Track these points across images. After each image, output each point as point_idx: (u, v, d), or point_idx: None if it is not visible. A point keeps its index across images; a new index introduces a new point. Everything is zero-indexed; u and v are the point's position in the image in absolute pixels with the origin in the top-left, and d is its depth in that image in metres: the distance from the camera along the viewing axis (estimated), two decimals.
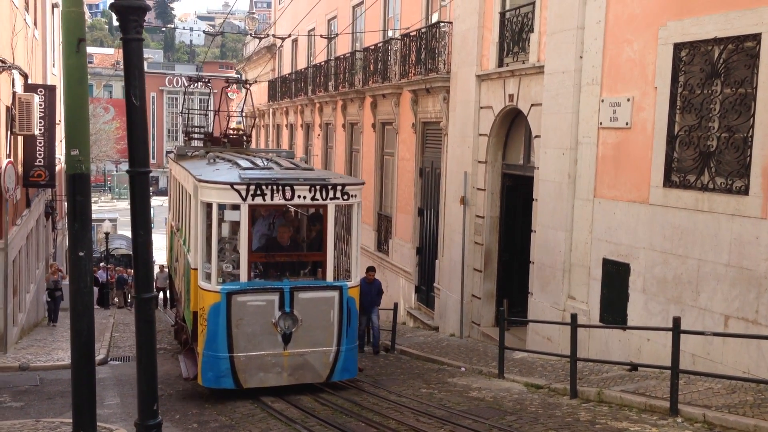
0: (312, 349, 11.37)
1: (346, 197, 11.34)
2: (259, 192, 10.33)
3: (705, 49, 11.14)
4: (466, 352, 15.30)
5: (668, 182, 11.74)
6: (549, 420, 9.10)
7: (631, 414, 8.91)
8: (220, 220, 10.87)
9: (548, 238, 14.71)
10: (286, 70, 39.83)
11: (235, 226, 10.98)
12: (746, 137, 10.39)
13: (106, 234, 39.25)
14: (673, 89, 11.63)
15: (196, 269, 10.90)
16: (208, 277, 10.57)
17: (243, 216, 10.56)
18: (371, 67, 24.80)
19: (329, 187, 11.11)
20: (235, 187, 10.32)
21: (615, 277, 12.75)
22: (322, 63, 30.66)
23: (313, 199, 10.99)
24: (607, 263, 12.97)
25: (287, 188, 10.69)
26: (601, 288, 13.15)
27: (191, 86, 22.24)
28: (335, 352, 11.66)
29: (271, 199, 10.62)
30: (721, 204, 10.70)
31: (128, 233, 53.90)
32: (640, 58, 12.42)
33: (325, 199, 11.07)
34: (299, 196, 10.97)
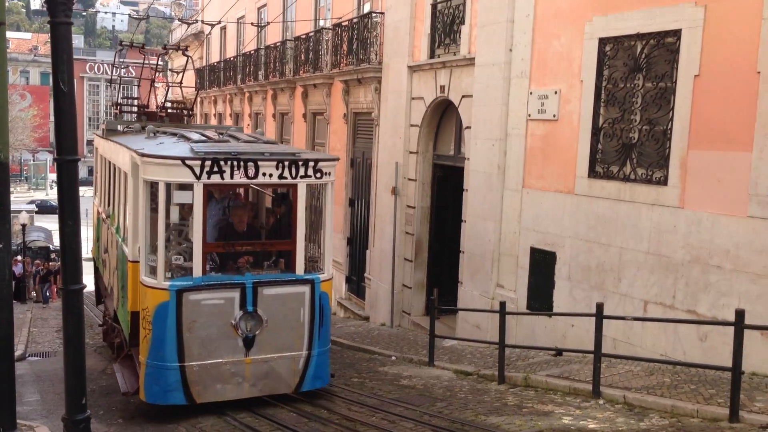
0: (279, 354, 9.51)
1: (318, 175, 9.48)
2: (216, 169, 8.63)
3: (628, 44, 11.40)
4: (396, 341, 15.38)
5: (593, 173, 11.98)
6: (478, 405, 9.28)
7: (556, 397, 9.18)
8: (168, 203, 8.99)
9: (478, 228, 14.82)
10: (215, 58, 39.03)
11: (187, 210, 9.27)
12: (666, 130, 10.68)
13: (23, 226, 37.98)
14: (598, 83, 11.84)
15: (136, 262, 9.48)
16: (153, 271, 9.04)
17: (197, 198, 8.81)
18: (302, 56, 24.32)
19: (300, 163, 9.32)
20: (188, 162, 8.60)
21: (542, 266, 13.01)
22: (252, 52, 30.13)
23: (280, 177, 9.14)
24: (534, 252, 13.23)
25: (250, 164, 8.86)
26: (529, 276, 13.37)
27: (123, 51, 18.60)
28: (306, 357, 9.73)
29: (231, 177, 8.83)
30: (641, 194, 11.01)
31: (46, 224, 52.59)
32: (567, 52, 12.59)
33: (295, 177, 9.25)
34: (264, 174, 9.12)
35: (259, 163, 9.06)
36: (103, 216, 13.81)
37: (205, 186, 8.81)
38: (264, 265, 10.05)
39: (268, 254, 10.05)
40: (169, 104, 16.88)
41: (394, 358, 13.51)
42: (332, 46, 21.96)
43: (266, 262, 10.17)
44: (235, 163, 8.83)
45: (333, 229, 10.05)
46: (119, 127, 14.32)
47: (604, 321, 9.39)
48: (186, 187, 8.83)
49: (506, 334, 10.85)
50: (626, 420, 7.80)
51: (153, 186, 9.13)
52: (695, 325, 10.01)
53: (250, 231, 10.25)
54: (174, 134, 11.06)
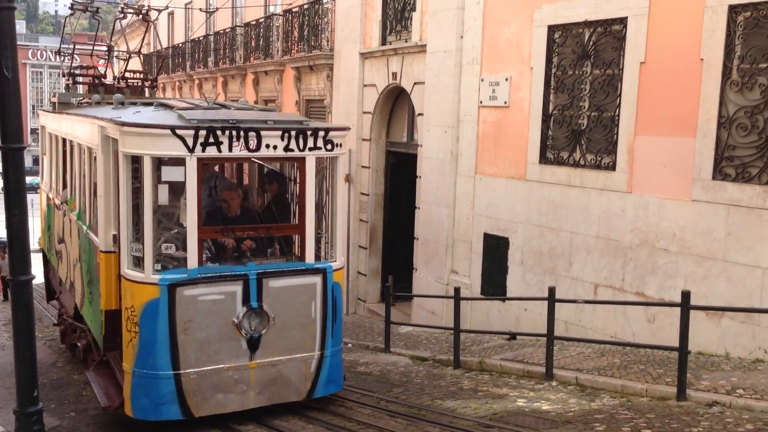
0: (287, 356, 8.04)
1: (329, 147, 8.16)
2: (212, 140, 7.37)
3: (577, 31, 11.29)
4: (352, 328, 15.18)
5: (543, 159, 11.90)
6: (434, 390, 9.24)
7: (511, 380, 9.24)
8: (155, 182, 7.63)
9: (432, 215, 14.60)
10: (162, 44, 37.02)
11: (176, 189, 7.85)
12: (613, 116, 10.61)
13: None
14: (548, 70, 11.76)
15: (110, 252, 8.18)
16: (138, 263, 7.62)
17: (190, 174, 7.44)
18: (252, 43, 23.48)
19: (308, 133, 7.99)
20: (179, 132, 7.26)
21: (495, 251, 12.93)
22: (201, 38, 28.98)
23: (286, 149, 7.81)
24: (487, 238, 13.10)
25: (252, 135, 7.57)
26: (483, 262, 13.27)
27: (74, 14, 15.65)
28: (318, 359, 8.21)
29: (230, 150, 7.49)
30: (591, 179, 10.98)
31: None
32: (517, 39, 12.40)
33: (303, 150, 7.93)
34: (268, 146, 7.75)
35: (262, 133, 7.62)
36: (56, 202, 11.89)
37: (200, 160, 7.35)
38: (267, 253, 8.58)
39: (269, 240, 8.59)
40: (129, 74, 14.63)
41: (350, 345, 13.02)
42: (283, 32, 21.20)
43: (269, 249, 8.67)
44: (234, 133, 7.40)
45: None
46: (73, 100, 12.65)
47: (556, 304, 9.39)
48: (177, 161, 7.45)
49: (461, 319, 10.78)
50: (578, 401, 7.88)
51: (135, 161, 7.70)
52: (644, 307, 10.01)
53: (245, 214, 8.75)
54: (149, 104, 9.64)
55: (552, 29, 11.82)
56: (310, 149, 7.97)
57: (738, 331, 9.14)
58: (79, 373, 11.81)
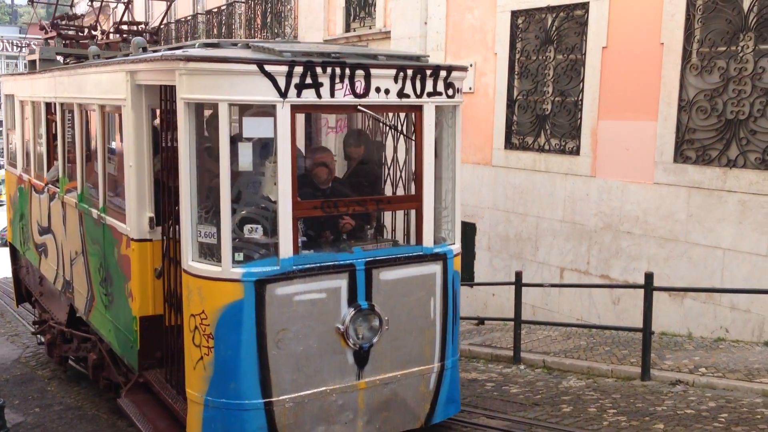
0: (402, 371, 5.65)
1: (450, 92, 5.63)
2: (310, 80, 4.90)
3: (540, 16, 10.92)
4: None
5: (509, 145, 11.52)
6: None
7: (479, 365, 9.19)
8: (235, 139, 4.98)
9: None
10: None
11: (260, 150, 5.22)
12: (577, 101, 10.32)
13: None
14: (512, 55, 11.37)
15: (145, 240, 5.84)
16: (209, 252, 5.10)
17: (282, 128, 4.82)
18: (215, 31, 21.89)
19: (427, 72, 5.45)
20: (268, 69, 4.74)
21: (463, 237, 14.07)
22: (162, 26, 33.39)
23: (401, 94, 5.29)
24: None
25: (359, 74, 5.07)
26: None
27: None
28: (438, 372, 5.81)
29: (331, 95, 4.98)
30: (556, 164, 10.70)
31: None
32: (481, 24, 11.93)
33: (421, 95, 5.40)
34: (378, 90, 5.19)
35: (372, 72, 5.14)
36: (35, 184, 9.17)
37: (294, 109, 4.90)
38: (367, 235, 6.07)
39: (366, 219, 6.12)
40: (125, 27, 10.98)
41: None
42: (246, 19, 20.02)
43: (367, 229, 6.15)
44: (338, 71, 4.97)
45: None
46: (59, 58, 9.63)
47: (523, 289, 9.21)
48: (263, 110, 5.10)
49: None
50: (546, 383, 7.82)
51: (199, 109, 5.23)
52: (608, 289, 9.80)
53: (336, 185, 6.14)
54: (181, 47, 5.91)
55: (515, 15, 11.24)
56: (429, 95, 5.50)
57: (700, 311, 8.87)
58: (42, 369, 11.49)
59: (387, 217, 6.07)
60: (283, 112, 4.75)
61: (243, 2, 20.30)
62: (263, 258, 4.98)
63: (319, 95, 4.88)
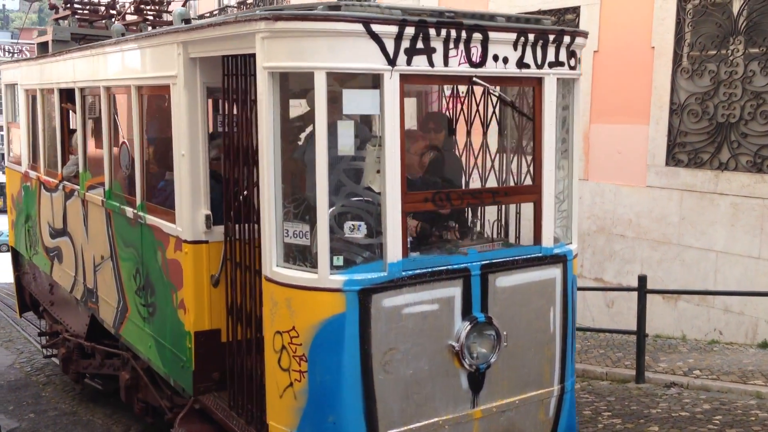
0: (520, 396, 4.55)
1: (573, 63, 4.48)
2: (422, 44, 3.81)
3: None
4: None
5: None
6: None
7: None
8: (331, 116, 3.81)
9: None
10: None
11: (356, 129, 4.00)
12: None
13: None
14: None
15: (200, 242, 4.81)
16: (299, 255, 4.04)
17: (390, 102, 3.76)
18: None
19: (550, 37, 4.27)
20: (375, 29, 3.68)
21: None
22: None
23: (520, 63, 4.18)
24: None
25: (476, 37, 3.97)
26: None
27: None
28: (558, 396, 4.71)
29: (445, 63, 3.90)
30: None
31: None
32: None
33: (542, 65, 4.27)
34: (496, 58, 4.09)
35: (490, 35, 4.04)
36: (45, 181, 7.92)
37: (403, 79, 3.80)
38: (473, 234, 5.12)
39: (460, 213, 5.18)
40: (147, 6, 9.15)
41: None
42: None
43: (472, 227, 5.27)
44: (453, 33, 3.90)
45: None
46: (67, 37, 8.21)
47: None
48: (368, 80, 4.02)
49: None
50: None
51: (285, 82, 4.05)
52: (602, 292, 9.79)
53: (432, 173, 5.07)
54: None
55: None
56: (551, 65, 4.41)
57: (694, 314, 8.82)
58: (36, 375, 10.22)
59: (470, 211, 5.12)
60: (392, 83, 3.74)
61: (234, 7, 19.48)
62: (366, 262, 3.97)
63: (431, 63, 3.86)
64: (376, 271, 3.84)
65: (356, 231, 3.92)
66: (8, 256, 11.23)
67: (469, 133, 5.38)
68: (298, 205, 3.91)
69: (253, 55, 3.81)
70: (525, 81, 4.41)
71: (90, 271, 6.64)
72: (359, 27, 3.64)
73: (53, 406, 9.36)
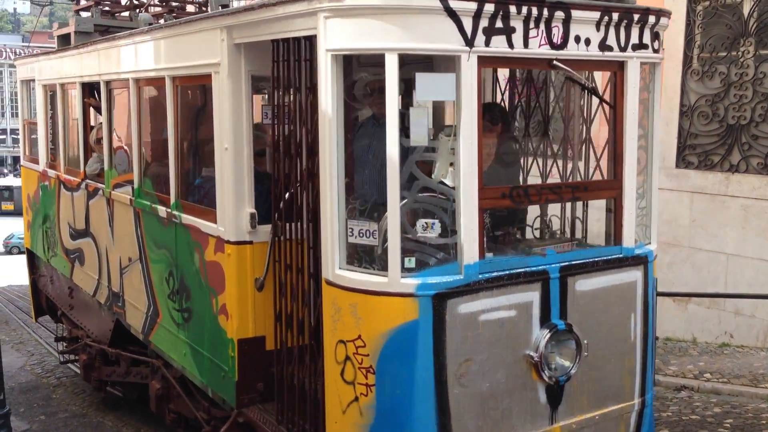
0: (600, 411, 4.14)
1: (656, 46, 4.09)
2: (502, 23, 3.45)
3: None
4: None
5: None
6: None
7: None
8: (403, 105, 3.79)
9: None
10: None
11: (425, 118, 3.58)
12: None
13: None
14: None
15: (244, 243, 4.40)
16: (365, 256, 3.69)
17: (467, 87, 3.38)
18: None
19: (634, 17, 3.88)
20: (452, 5, 3.32)
21: None
22: None
23: (603, 45, 3.80)
24: None
25: (558, 16, 3.61)
26: None
27: None
28: (638, 411, 4.29)
29: (524, 44, 3.53)
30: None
31: None
32: None
33: (625, 48, 3.88)
34: (578, 39, 3.71)
35: (573, 13, 3.66)
36: (71, 180, 7.31)
37: (481, 62, 3.44)
38: (544, 233, 4.78)
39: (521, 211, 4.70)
40: None
41: None
42: None
43: (550, 226, 4.84)
44: (534, 11, 3.52)
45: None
46: (91, 28, 7.61)
47: None
48: (443, 63, 3.84)
49: None
50: None
51: (348, 66, 3.69)
52: None
53: (497, 167, 4.65)
54: None
55: None
56: (634, 47, 3.99)
57: (704, 316, 8.79)
58: (47, 377, 10.38)
59: (533, 209, 4.64)
60: (469, 66, 3.38)
61: None
62: (440, 264, 3.61)
63: (510, 44, 3.50)
64: (451, 273, 3.48)
65: (429, 230, 3.53)
66: (17, 258, 10.80)
67: (546, 122, 5.05)
68: (364, 201, 3.63)
69: (311, 38, 3.50)
70: (606, 65, 4.06)
71: (116, 273, 6.34)
72: (436, 3, 3.30)
73: (64, 408, 9.40)
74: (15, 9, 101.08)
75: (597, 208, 4.38)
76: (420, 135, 3.35)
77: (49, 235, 8.40)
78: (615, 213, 4.09)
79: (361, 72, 3.84)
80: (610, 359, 4.12)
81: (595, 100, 4.24)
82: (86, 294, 7.13)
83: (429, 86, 3.39)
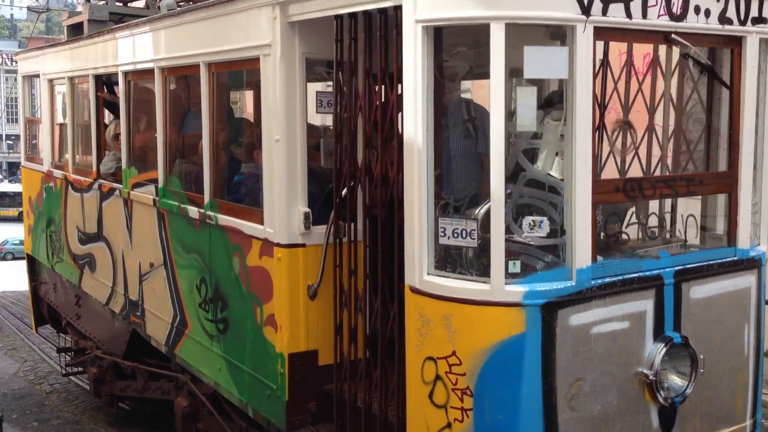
0: None
1: None
2: None
3: None
4: None
5: None
6: None
7: None
8: (510, 84, 3.21)
9: None
10: None
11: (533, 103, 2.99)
12: None
13: None
14: None
15: (296, 246, 3.95)
16: (458, 260, 3.19)
17: (582, 62, 2.89)
18: None
19: None
20: None
21: None
22: None
23: (722, 18, 3.33)
24: None
25: None
26: None
27: None
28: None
29: (643, 13, 3.06)
30: None
31: None
32: None
33: (744, 21, 3.41)
34: (697, 10, 3.25)
35: None
36: (81, 180, 6.84)
37: (597, 33, 3.00)
38: (648, 233, 4.12)
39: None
40: None
41: None
42: None
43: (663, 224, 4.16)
44: None
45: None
46: (106, 16, 7.05)
47: None
48: (551, 33, 3.35)
49: None
50: None
51: (439, 41, 3.13)
52: None
53: None
54: None
55: None
56: (754, 21, 3.57)
57: None
58: (40, 384, 10.47)
59: None
60: (584, 39, 2.92)
61: None
62: (548, 268, 3.13)
63: (628, 14, 3.06)
64: (561, 279, 3.00)
65: (537, 228, 3.00)
66: (12, 264, 10.27)
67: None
68: (461, 196, 3.16)
69: (386, 10, 3.08)
70: (723, 40, 3.56)
71: (134, 280, 5.84)
72: None
73: (56, 414, 9.37)
74: (12, 15, 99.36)
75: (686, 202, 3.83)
76: (528, 119, 2.88)
77: (53, 240, 7.87)
78: (729, 210, 3.59)
79: (456, 44, 3.29)
80: (723, 376, 3.64)
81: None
82: (97, 303, 6.66)
83: (539, 62, 2.89)
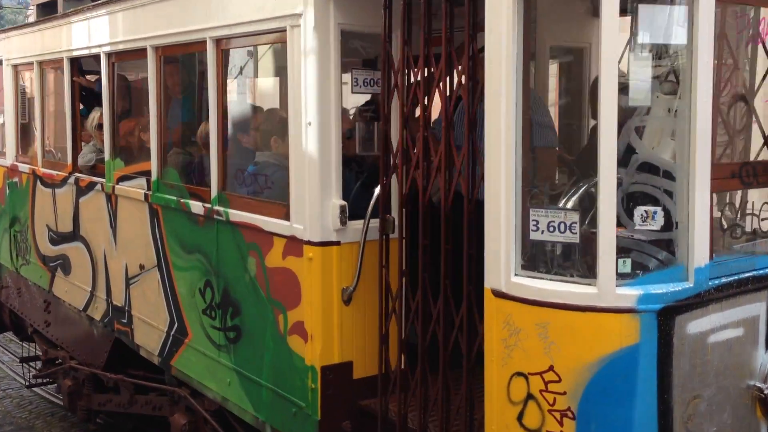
0: None
1: None
2: None
3: None
4: None
5: None
6: None
7: None
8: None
9: None
10: None
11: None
12: None
13: None
14: None
15: (330, 244, 3.52)
16: (552, 258, 2.62)
17: (704, 24, 2.38)
18: None
19: None
20: None
21: None
22: None
23: None
24: None
25: None
26: None
27: None
28: None
29: None
30: None
31: None
32: None
33: None
34: None
35: None
36: (53, 175, 6.42)
37: None
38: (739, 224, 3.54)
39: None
40: None
41: None
42: None
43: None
44: None
45: None
46: None
47: None
48: None
49: None
50: None
51: (528, 6, 2.53)
52: None
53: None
54: None
55: None
56: None
57: None
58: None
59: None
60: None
61: None
62: (661, 267, 2.66)
63: None
64: (677, 280, 2.52)
65: (650, 220, 2.52)
66: None
67: None
68: (557, 185, 2.77)
69: None
70: None
71: (118, 284, 5.29)
72: None
73: (9, 421, 8.99)
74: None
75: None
76: (641, 92, 2.47)
77: (18, 240, 7.30)
78: None
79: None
80: None
81: None
82: (71, 309, 6.09)
83: (653, 25, 2.41)
